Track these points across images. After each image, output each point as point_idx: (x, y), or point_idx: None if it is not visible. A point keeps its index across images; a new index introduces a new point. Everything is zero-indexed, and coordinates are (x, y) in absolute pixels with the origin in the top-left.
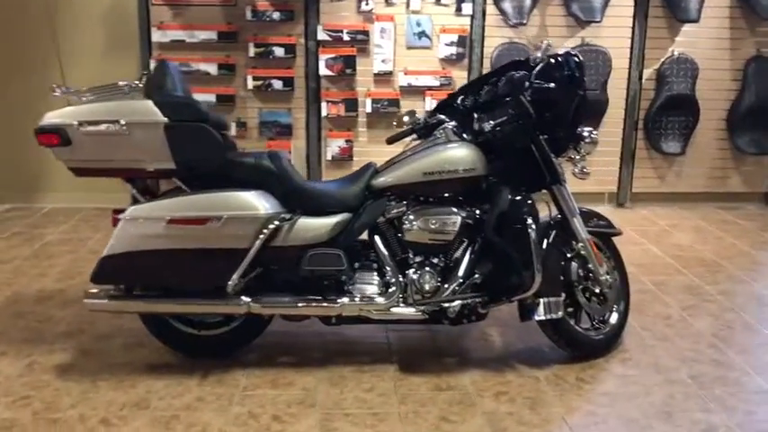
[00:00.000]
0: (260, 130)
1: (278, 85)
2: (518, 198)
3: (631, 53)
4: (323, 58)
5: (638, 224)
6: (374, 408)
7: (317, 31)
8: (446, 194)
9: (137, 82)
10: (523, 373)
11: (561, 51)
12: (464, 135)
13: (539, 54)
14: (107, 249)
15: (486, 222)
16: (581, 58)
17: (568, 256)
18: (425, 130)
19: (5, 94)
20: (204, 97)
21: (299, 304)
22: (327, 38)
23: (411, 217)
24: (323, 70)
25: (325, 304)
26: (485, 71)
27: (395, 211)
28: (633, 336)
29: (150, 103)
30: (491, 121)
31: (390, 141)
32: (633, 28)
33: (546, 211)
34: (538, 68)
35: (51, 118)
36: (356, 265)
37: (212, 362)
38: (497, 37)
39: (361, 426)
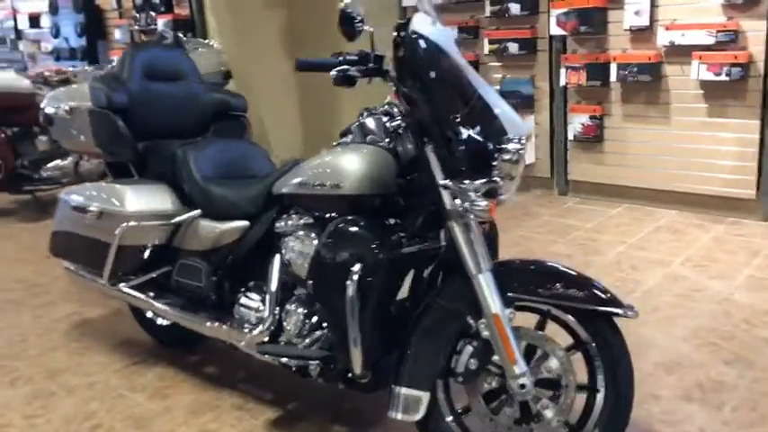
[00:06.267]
0: None
1: (513, 48)
2: (335, 231)
3: None
4: (554, 13)
5: None
6: None
7: None
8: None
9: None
10: None
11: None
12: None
13: None
14: (53, 225)
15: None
16: (422, 32)
17: (466, 335)
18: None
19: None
20: None
21: (178, 315)
22: None
23: (287, 237)
24: (554, 29)
25: (196, 322)
26: None
27: (281, 225)
28: None
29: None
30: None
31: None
32: None
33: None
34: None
35: (45, 100)
36: (251, 283)
37: (168, 351)
38: None
39: None
